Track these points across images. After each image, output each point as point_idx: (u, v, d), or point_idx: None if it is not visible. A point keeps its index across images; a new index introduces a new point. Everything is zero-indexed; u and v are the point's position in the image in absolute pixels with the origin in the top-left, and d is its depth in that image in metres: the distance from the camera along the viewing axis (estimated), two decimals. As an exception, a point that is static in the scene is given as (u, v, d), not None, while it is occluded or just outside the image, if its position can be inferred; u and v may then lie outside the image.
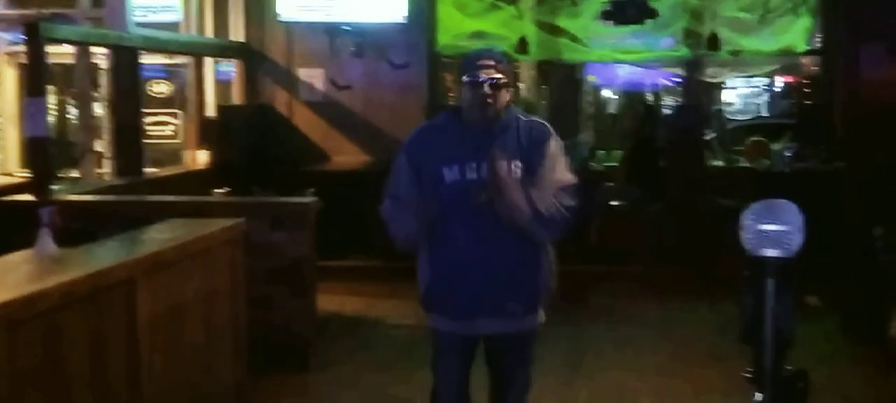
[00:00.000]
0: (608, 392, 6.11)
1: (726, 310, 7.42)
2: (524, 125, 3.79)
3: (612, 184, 9.78)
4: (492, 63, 3.73)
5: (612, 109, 15.87)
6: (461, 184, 3.71)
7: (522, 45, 10.04)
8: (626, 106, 12.90)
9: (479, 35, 10.23)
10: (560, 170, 3.74)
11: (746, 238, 2.18)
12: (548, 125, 3.86)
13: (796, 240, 2.15)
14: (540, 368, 6.38)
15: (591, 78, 14.67)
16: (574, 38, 10.31)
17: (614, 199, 9.65)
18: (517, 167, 3.70)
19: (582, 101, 14.25)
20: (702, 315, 7.79)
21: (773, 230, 2.13)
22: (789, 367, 2.21)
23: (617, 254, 9.26)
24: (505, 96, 3.75)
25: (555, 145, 3.77)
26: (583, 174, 9.88)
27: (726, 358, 6.44)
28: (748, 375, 2.24)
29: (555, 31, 10.27)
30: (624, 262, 9.19)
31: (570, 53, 10.46)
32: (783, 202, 2.18)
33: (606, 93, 16.15)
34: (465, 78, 3.72)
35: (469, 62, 3.76)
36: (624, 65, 12.19)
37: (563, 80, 13.08)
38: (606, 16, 9.53)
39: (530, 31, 10.14)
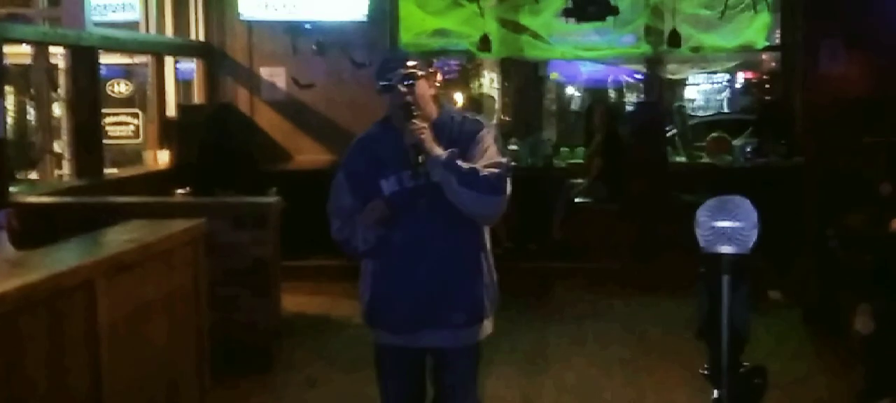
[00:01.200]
0: (572, 387, 6.14)
1: (688, 306, 7.47)
2: (458, 123, 3.68)
3: (578, 180, 9.81)
4: (402, 63, 3.60)
5: (574, 106, 15.93)
6: (399, 194, 3.59)
7: (485, 43, 10.04)
8: (593, 102, 12.95)
9: (440, 33, 10.26)
10: (490, 154, 3.58)
11: (701, 235, 2.19)
12: (484, 120, 3.77)
13: (751, 237, 2.16)
14: (504, 363, 6.45)
15: (554, 75, 14.72)
16: (536, 36, 10.35)
17: (582, 196, 9.69)
18: None
19: (544, 98, 14.29)
20: (664, 310, 7.84)
21: (728, 227, 2.14)
22: (746, 363, 2.22)
23: (580, 250, 9.30)
24: (426, 94, 3.62)
25: (488, 134, 3.64)
26: (546, 171, 9.98)
27: (689, 353, 6.44)
28: (706, 372, 2.25)
29: (517, 28, 10.30)
30: (587, 258, 9.23)
31: (533, 50, 10.50)
32: (737, 198, 2.19)
33: (569, 90, 16.22)
34: (378, 85, 3.59)
35: (379, 68, 3.64)
36: (586, 62, 12.24)
37: (525, 78, 13.10)
38: (568, 13, 9.56)
39: (492, 28, 10.15)
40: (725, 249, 2.13)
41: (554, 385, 6.18)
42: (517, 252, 9.30)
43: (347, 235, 3.67)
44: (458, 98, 12.79)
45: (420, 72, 3.58)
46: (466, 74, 15.14)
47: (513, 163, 3.70)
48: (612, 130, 9.98)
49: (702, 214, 2.17)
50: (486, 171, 3.49)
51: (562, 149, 11.31)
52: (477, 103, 11.43)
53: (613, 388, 6.12)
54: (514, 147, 10.59)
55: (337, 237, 3.71)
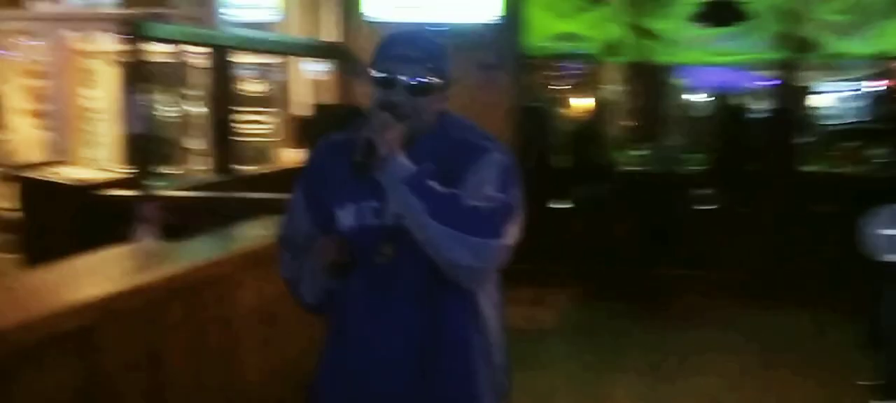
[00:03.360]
0: (693, 398, 6.05)
1: (815, 316, 7.37)
2: (455, 140, 2.54)
3: (706, 191, 9.68)
4: (415, 54, 2.50)
5: (700, 112, 15.68)
6: (358, 232, 2.50)
7: (612, 47, 10.00)
8: (713, 109, 12.74)
9: (568, 36, 10.23)
10: (488, 186, 2.42)
11: (872, 243, 2.15)
12: (491, 139, 2.58)
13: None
14: (625, 373, 6.40)
15: (681, 80, 14.50)
16: (665, 41, 10.25)
17: (702, 203, 9.55)
18: None
19: (670, 104, 14.09)
20: (790, 320, 7.67)
21: (900, 235, 2.10)
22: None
23: (705, 258, 9.16)
24: (432, 104, 2.52)
25: (492, 162, 2.47)
26: (670, 177, 9.85)
27: (815, 365, 6.38)
28: (865, 384, 2.22)
29: (645, 32, 10.22)
30: (712, 266, 9.08)
31: (661, 55, 10.40)
32: (909, 208, 2.15)
33: (695, 95, 15.97)
34: (373, 73, 2.49)
35: (382, 50, 2.51)
36: (715, 67, 12.05)
37: (650, 83, 12.94)
38: (699, 18, 9.44)
39: (620, 32, 10.09)
40: (898, 258, 2.09)
41: (676, 396, 6.09)
42: (642, 259, 9.22)
43: (297, 274, 2.67)
44: (582, 103, 12.73)
45: (437, 79, 2.52)
46: (590, 79, 15.05)
47: (514, 206, 2.47)
48: (731, 137, 9.82)
49: (873, 223, 2.13)
50: (473, 201, 2.36)
51: (686, 155, 11.16)
52: (601, 108, 11.33)
53: (738, 400, 6.01)
54: (638, 152, 10.50)
55: (284, 274, 2.74)
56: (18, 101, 9.50)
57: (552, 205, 9.43)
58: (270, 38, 9.51)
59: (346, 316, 2.55)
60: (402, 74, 2.44)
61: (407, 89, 2.44)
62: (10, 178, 8.09)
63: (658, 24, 10.15)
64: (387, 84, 2.45)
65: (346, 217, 2.52)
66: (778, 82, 10.82)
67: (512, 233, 2.42)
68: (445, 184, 2.37)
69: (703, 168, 10.23)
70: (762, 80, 13.65)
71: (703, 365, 6.67)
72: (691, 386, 6.22)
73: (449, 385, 2.50)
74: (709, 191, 9.67)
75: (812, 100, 15.15)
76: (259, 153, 10.22)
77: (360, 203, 2.50)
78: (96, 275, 3.83)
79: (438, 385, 2.49)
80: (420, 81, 2.46)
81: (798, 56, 9.89)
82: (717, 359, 6.80)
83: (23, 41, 9.46)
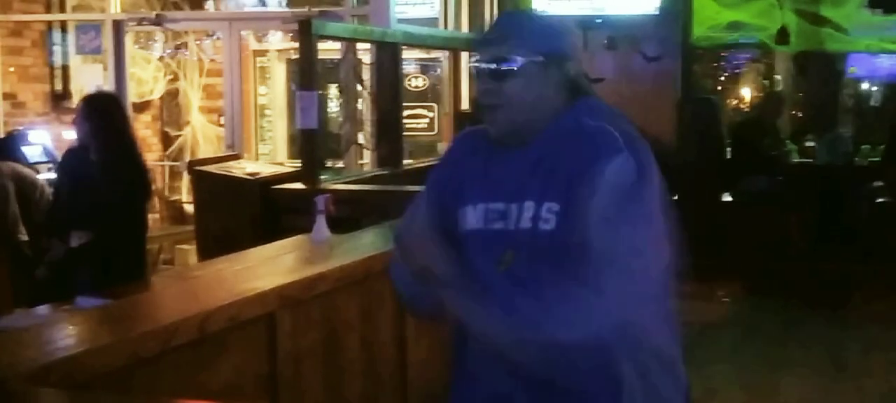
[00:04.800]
0: (874, 397, 5.84)
1: None
2: (579, 140, 2.01)
3: (881, 183, 9.33)
4: (497, 34, 2.14)
5: (874, 102, 15.11)
6: (482, 236, 2.08)
7: (782, 36, 9.76)
8: (888, 98, 12.25)
9: (735, 26, 10.04)
10: (620, 224, 1.93)
11: None
12: (616, 137, 1.97)
13: None
14: (800, 370, 6.22)
15: (853, 69, 14.01)
16: (837, 28, 9.95)
17: (877, 195, 9.22)
18: (551, 215, 1.99)
19: (842, 94, 13.62)
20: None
21: None
22: None
23: (880, 253, 8.81)
24: (533, 92, 2.06)
25: (612, 177, 1.93)
26: (845, 169, 9.52)
27: None
28: None
29: (817, 20, 9.94)
30: (887, 261, 8.73)
31: (833, 44, 10.10)
32: None
33: (869, 84, 15.40)
34: (470, 64, 2.20)
35: (479, 38, 2.22)
36: (890, 55, 11.60)
37: (820, 72, 12.54)
38: (874, 3, 9.11)
39: (791, 20, 9.84)
40: None
41: (853, 395, 5.90)
42: (814, 253, 8.95)
43: (404, 282, 2.17)
44: (750, 93, 12.45)
45: (522, 58, 2.05)
46: (758, 69, 14.68)
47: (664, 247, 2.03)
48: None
49: None
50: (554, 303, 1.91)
51: (862, 146, 10.78)
52: (770, 98, 11.05)
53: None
54: (810, 143, 10.21)
55: (393, 277, 2.25)
56: (196, 98, 9.93)
57: (722, 198, 9.26)
58: (435, 34, 9.63)
59: (469, 343, 2.11)
60: (483, 60, 2.08)
61: (489, 74, 2.06)
62: (189, 172, 8.47)
63: (830, 11, 9.84)
64: (477, 74, 2.10)
65: (472, 218, 2.10)
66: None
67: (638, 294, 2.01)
68: (560, 189, 1.98)
69: (878, 159, 9.86)
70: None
71: (885, 365, 6.42)
72: (870, 386, 6.01)
73: None
74: (884, 184, 9.31)
75: None
76: (421, 147, 10.37)
77: (485, 202, 2.09)
78: (274, 266, 3.99)
79: None
80: (499, 63, 2.04)
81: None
82: (896, 358, 6.56)
83: (201, 40, 9.88)
